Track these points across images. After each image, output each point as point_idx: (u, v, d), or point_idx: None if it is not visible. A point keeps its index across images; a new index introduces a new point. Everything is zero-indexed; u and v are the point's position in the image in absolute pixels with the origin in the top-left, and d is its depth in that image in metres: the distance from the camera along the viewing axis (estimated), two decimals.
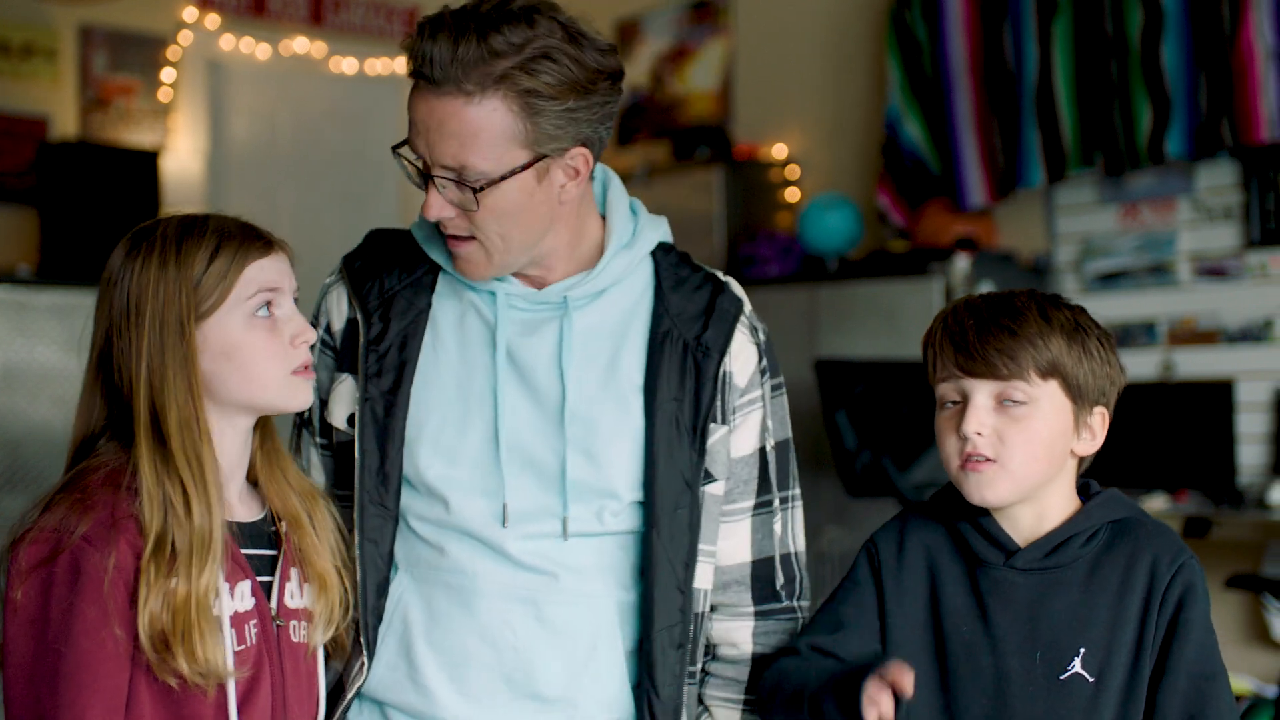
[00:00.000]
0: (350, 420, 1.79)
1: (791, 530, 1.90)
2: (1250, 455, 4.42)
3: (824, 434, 4.41)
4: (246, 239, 1.70)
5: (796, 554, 1.90)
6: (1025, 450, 1.68)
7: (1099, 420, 1.73)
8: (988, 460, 1.68)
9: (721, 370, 1.82)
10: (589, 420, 1.77)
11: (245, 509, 1.75)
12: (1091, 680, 1.65)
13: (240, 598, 1.67)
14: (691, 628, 1.80)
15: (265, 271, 1.70)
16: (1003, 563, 1.72)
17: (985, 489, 1.69)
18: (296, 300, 1.76)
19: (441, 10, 1.66)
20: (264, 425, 1.79)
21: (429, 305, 1.81)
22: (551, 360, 1.78)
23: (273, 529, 1.77)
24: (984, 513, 1.74)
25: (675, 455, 1.78)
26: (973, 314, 1.71)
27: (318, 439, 1.88)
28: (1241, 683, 3.66)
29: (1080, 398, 1.71)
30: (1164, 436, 4.50)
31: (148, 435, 1.65)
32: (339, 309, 1.84)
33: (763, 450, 1.87)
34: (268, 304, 1.70)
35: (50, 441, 4.28)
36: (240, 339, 1.68)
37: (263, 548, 1.74)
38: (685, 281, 1.86)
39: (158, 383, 1.66)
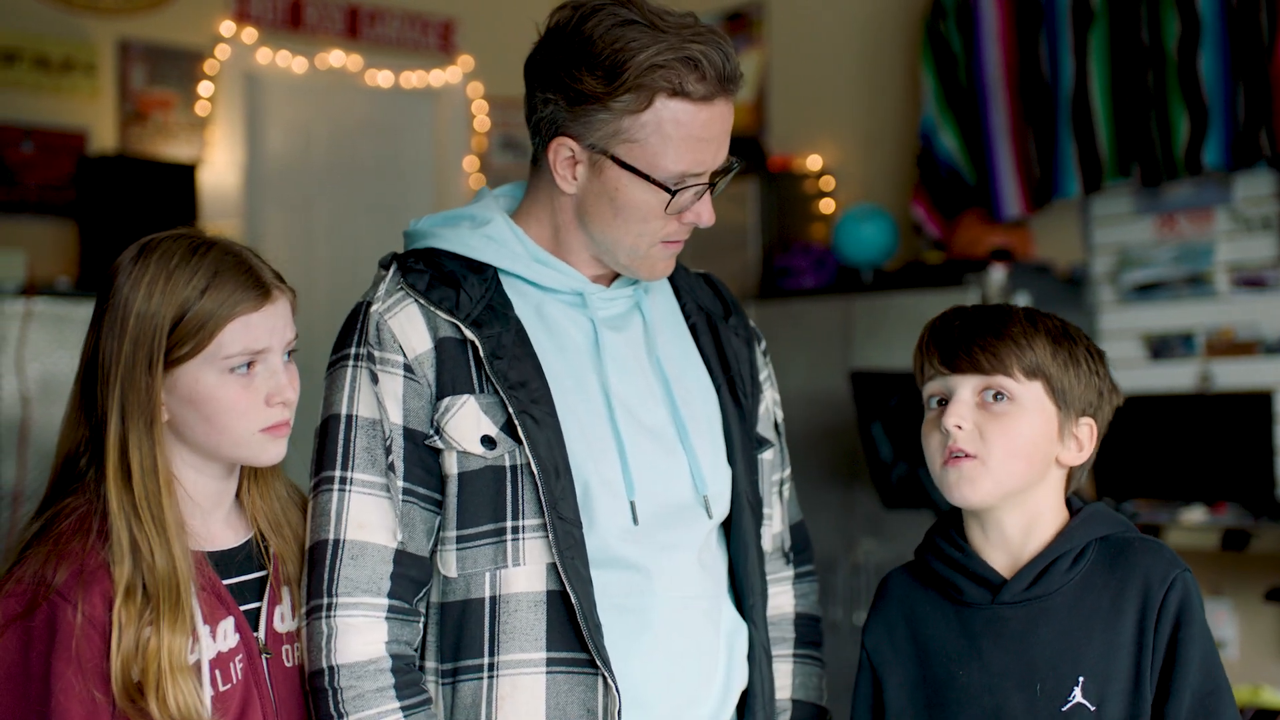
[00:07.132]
0: (486, 442, 1.68)
1: (795, 498, 2.01)
2: None
3: (859, 446, 4.39)
4: (240, 287, 1.61)
5: (803, 519, 2.03)
6: (1006, 448, 1.66)
7: (1087, 432, 1.72)
8: (968, 456, 1.66)
9: (752, 347, 1.93)
10: (687, 405, 1.82)
11: (232, 533, 1.71)
12: (1093, 709, 1.62)
13: (223, 637, 1.62)
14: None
15: (253, 330, 1.61)
16: (989, 601, 1.69)
17: (965, 485, 1.67)
18: (295, 350, 1.68)
19: (702, 26, 1.69)
20: None
21: (514, 311, 1.75)
22: (642, 353, 1.81)
23: (262, 546, 1.72)
24: (963, 548, 1.73)
25: (742, 431, 1.86)
26: (959, 317, 1.73)
27: (417, 490, 1.70)
28: None
29: (1066, 404, 1.69)
30: (1202, 448, 4.47)
31: (116, 473, 1.59)
32: (416, 333, 1.71)
33: (776, 424, 1.96)
34: (249, 363, 1.61)
35: None
36: (210, 393, 1.60)
37: (250, 571, 1.69)
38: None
39: (127, 418, 1.60)
